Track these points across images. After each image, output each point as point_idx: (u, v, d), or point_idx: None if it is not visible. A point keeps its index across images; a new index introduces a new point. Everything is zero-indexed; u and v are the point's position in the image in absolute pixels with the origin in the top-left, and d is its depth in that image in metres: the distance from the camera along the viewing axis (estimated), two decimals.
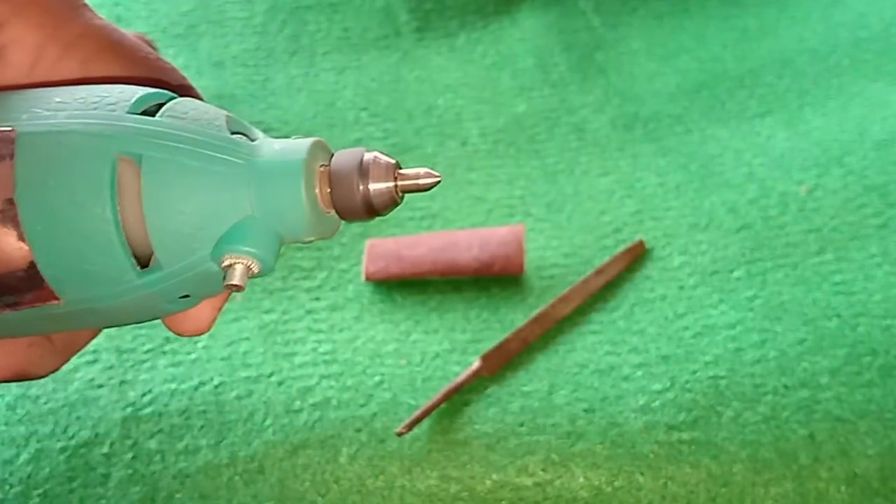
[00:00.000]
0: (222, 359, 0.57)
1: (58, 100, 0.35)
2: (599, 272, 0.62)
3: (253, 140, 0.34)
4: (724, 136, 0.71)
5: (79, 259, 0.34)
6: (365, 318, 0.59)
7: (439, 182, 0.34)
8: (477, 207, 0.66)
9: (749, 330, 0.59)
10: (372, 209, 0.34)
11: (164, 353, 0.57)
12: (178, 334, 0.38)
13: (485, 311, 0.60)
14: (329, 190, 0.34)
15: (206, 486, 0.52)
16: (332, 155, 0.35)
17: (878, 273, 0.62)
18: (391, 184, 0.34)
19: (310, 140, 0.34)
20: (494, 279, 0.62)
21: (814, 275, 0.62)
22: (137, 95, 0.34)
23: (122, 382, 0.56)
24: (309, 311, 0.60)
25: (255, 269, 0.34)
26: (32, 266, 0.34)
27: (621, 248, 0.63)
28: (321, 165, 0.34)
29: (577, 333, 0.59)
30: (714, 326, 0.59)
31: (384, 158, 0.34)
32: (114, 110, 0.34)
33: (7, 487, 0.52)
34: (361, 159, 0.34)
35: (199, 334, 0.38)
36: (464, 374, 0.56)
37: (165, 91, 0.36)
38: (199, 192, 0.33)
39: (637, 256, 0.63)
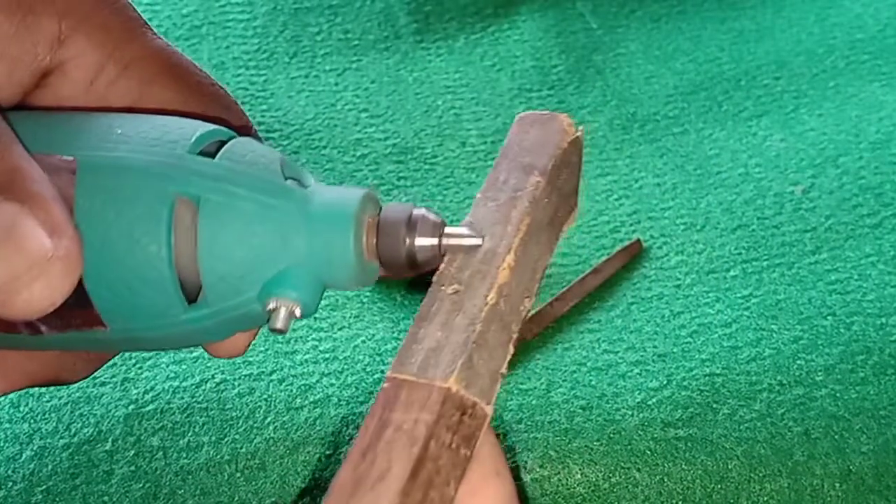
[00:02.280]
0: None
1: (119, 131, 0.35)
2: (597, 271, 0.62)
3: (305, 186, 0.35)
4: (721, 137, 0.71)
5: (129, 291, 0.34)
6: (365, 316, 0.60)
7: (481, 245, 0.34)
8: None
9: (745, 328, 0.59)
10: (415, 263, 0.35)
11: (166, 351, 0.58)
12: (213, 356, 0.39)
13: None
14: (375, 241, 0.34)
15: (208, 483, 0.53)
16: (381, 206, 0.35)
17: (873, 272, 0.62)
18: (436, 241, 0.35)
19: (361, 191, 0.35)
20: None
21: (809, 274, 0.62)
22: (197, 134, 0.35)
23: (124, 380, 0.56)
24: None
25: (298, 314, 0.34)
26: (83, 293, 0.34)
27: (618, 247, 0.64)
28: (370, 216, 0.35)
29: (575, 332, 0.59)
30: (710, 325, 0.59)
31: (432, 216, 0.35)
32: (174, 149, 0.34)
33: (10, 484, 0.52)
34: (410, 214, 0.35)
35: (234, 357, 0.39)
36: None
37: (223, 128, 0.36)
38: (252, 238, 0.34)
39: (634, 256, 0.63)
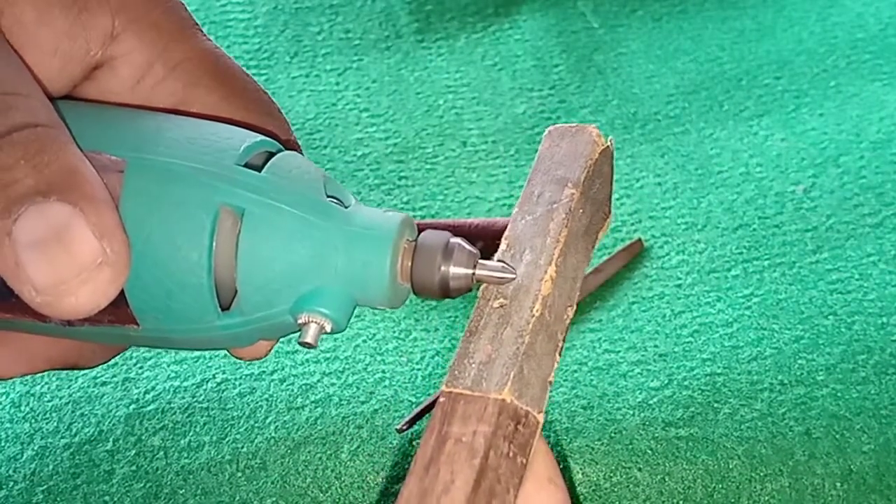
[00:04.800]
0: (224, 356, 0.57)
1: (169, 135, 0.35)
2: (598, 271, 0.62)
3: (346, 206, 0.36)
4: (722, 137, 0.71)
5: (165, 294, 0.35)
6: (366, 316, 0.60)
7: (514, 280, 0.35)
8: (477, 207, 0.67)
9: (746, 328, 0.59)
10: (447, 290, 0.36)
11: (167, 350, 0.58)
12: (235, 357, 0.40)
13: None
14: (411, 265, 0.35)
15: (209, 482, 0.53)
16: (417, 231, 0.36)
17: (874, 272, 0.62)
18: (470, 271, 0.35)
19: (400, 216, 0.35)
20: None
21: (810, 273, 0.62)
22: (245, 144, 0.35)
23: (125, 380, 0.56)
24: None
25: (328, 329, 0.35)
26: (121, 293, 0.34)
27: (619, 246, 0.64)
28: (406, 240, 0.35)
29: (576, 331, 0.59)
30: (711, 324, 0.59)
31: (468, 247, 0.36)
32: (222, 158, 0.35)
33: (11, 484, 0.52)
34: (448, 242, 0.35)
35: (255, 360, 0.40)
36: None
37: (269, 139, 0.36)
38: (292, 253, 0.34)
39: (635, 255, 0.64)
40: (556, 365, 0.35)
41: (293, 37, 0.79)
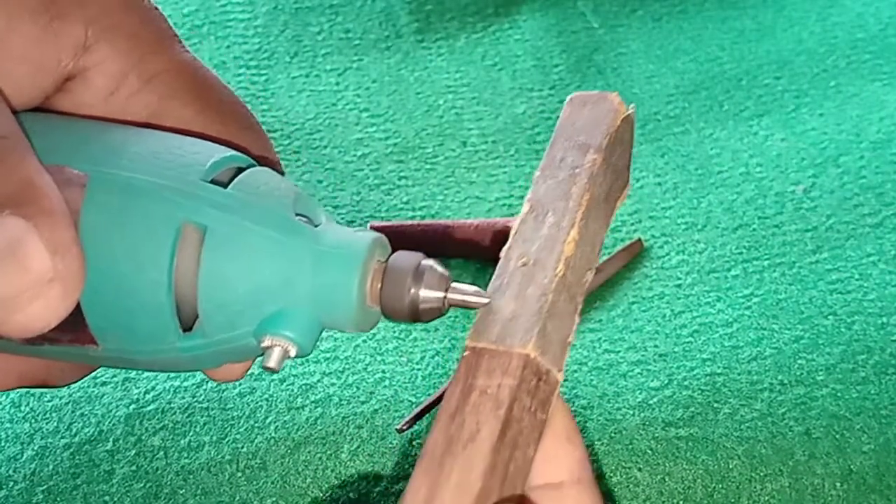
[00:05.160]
0: None
1: (134, 149, 0.34)
2: (598, 271, 0.62)
3: (316, 224, 0.35)
4: (722, 137, 0.71)
5: (125, 314, 0.34)
6: None
7: (487, 305, 0.35)
8: (477, 207, 0.67)
9: (746, 328, 0.59)
10: (416, 314, 0.34)
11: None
12: (211, 379, 0.39)
13: None
14: (380, 287, 0.34)
15: (209, 482, 0.53)
16: (389, 252, 0.35)
17: (874, 272, 0.62)
18: (441, 294, 0.34)
19: (371, 235, 0.34)
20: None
21: (810, 273, 0.62)
22: (213, 160, 0.34)
23: (125, 380, 0.56)
24: None
25: (292, 354, 0.34)
26: (78, 311, 0.33)
27: (619, 246, 0.64)
28: (377, 261, 0.34)
29: (576, 331, 0.59)
30: (711, 324, 0.59)
31: (440, 269, 0.35)
32: (187, 174, 0.34)
33: (11, 484, 0.52)
34: (419, 265, 0.34)
35: (231, 382, 0.39)
36: None
37: (240, 154, 0.35)
38: (255, 273, 0.33)
39: (635, 255, 0.64)
40: (574, 327, 0.36)
41: (293, 37, 0.79)
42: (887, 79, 0.75)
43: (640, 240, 0.64)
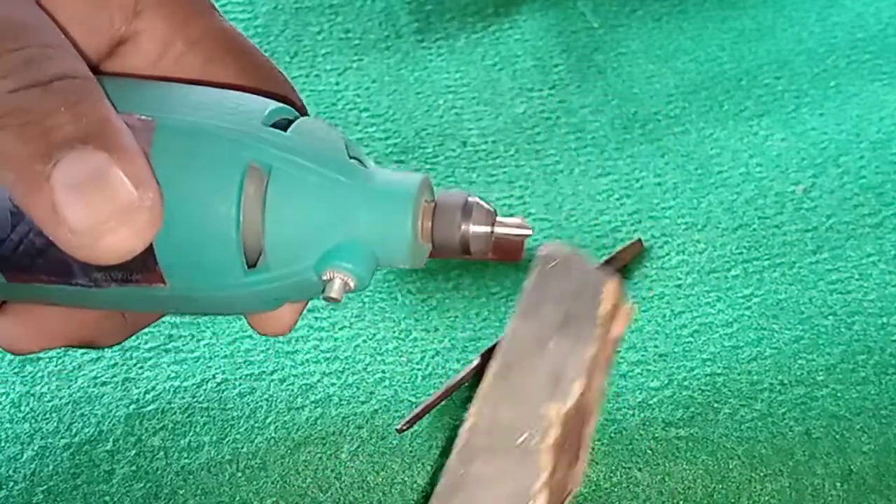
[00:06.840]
0: (225, 356, 0.57)
1: (195, 98, 0.36)
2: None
3: (366, 167, 0.36)
4: (722, 137, 0.71)
5: (194, 250, 0.35)
6: (366, 316, 0.60)
7: (531, 235, 0.37)
8: None
9: (746, 328, 0.59)
10: (467, 248, 0.36)
11: (167, 350, 0.58)
12: (261, 333, 0.40)
13: (485, 310, 0.60)
14: (430, 224, 0.36)
15: (209, 483, 0.53)
16: (434, 192, 0.37)
17: (874, 272, 0.62)
18: (489, 229, 0.36)
19: (420, 176, 0.36)
20: (494, 278, 0.62)
21: (810, 273, 0.62)
22: (270, 108, 0.36)
23: (125, 380, 0.56)
24: (310, 309, 0.60)
25: (352, 285, 0.36)
26: (150, 249, 0.35)
27: (619, 246, 0.64)
28: (426, 201, 0.36)
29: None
30: (711, 325, 0.59)
31: (486, 204, 0.36)
32: (250, 118, 0.36)
33: (11, 484, 0.52)
34: (466, 201, 0.36)
35: (280, 335, 0.40)
36: (464, 372, 0.56)
37: (287, 107, 0.38)
38: (317, 209, 0.35)
39: (635, 255, 0.64)
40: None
41: (293, 37, 0.79)
42: (887, 79, 0.75)
43: (640, 240, 0.64)
